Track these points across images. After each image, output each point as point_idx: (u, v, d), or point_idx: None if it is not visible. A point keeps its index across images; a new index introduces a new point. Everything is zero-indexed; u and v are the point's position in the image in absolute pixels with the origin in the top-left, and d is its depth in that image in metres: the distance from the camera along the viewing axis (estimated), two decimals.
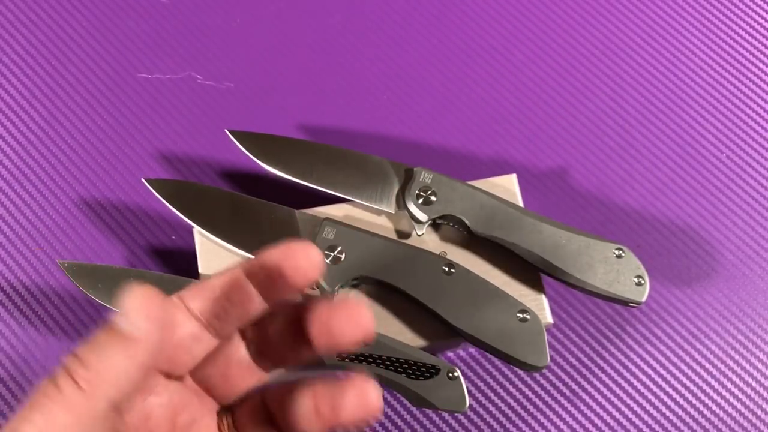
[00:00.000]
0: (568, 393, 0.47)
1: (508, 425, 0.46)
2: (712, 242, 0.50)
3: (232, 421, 0.26)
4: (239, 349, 0.25)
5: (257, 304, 0.23)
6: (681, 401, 0.47)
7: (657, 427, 0.46)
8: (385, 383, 0.40)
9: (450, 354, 0.47)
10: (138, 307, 0.20)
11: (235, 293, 0.23)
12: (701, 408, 0.46)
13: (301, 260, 0.22)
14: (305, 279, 0.22)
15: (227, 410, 0.26)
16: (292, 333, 0.24)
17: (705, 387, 0.47)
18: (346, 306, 0.22)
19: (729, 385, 0.47)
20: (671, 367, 0.47)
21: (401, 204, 0.43)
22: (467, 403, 0.39)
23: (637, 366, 0.47)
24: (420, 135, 0.53)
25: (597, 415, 0.46)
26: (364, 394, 0.22)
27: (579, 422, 0.46)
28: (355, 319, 0.22)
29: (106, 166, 0.52)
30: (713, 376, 0.47)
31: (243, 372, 0.25)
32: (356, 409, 0.22)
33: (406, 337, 0.42)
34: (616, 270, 0.41)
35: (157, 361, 0.21)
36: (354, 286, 0.43)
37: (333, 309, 0.22)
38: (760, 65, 0.55)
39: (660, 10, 0.56)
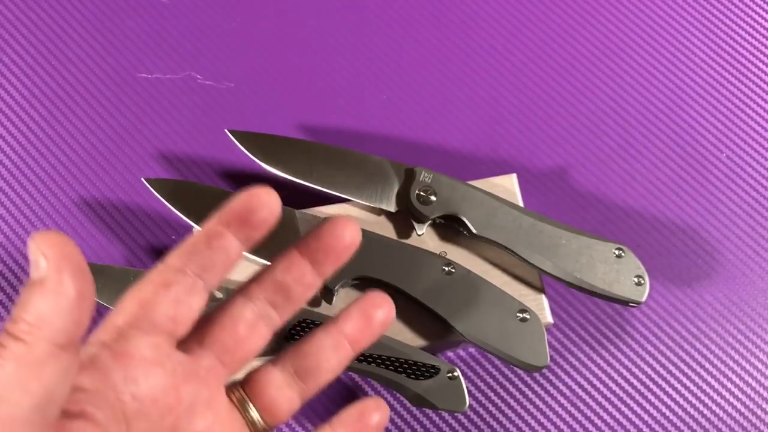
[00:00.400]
0: (568, 393, 0.47)
1: (508, 425, 0.46)
2: (712, 242, 0.50)
3: (243, 393, 0.27)
4: (244, 310, 0.27)
5: (236, 248, 0.25)
6: (681, 401, 0.47)
7: (657, 427, 0.46)
8: (385, 383, 0.40)
9: (450, 354, 0.47)
10: (35, 252, 0.21)
11: (215, 242, 0.25)
12: (701, 408, 0.46)
13: (263, 195, 0.25)
14: (269, 212, 0.25)
15: (237, 384, 0.28)
16: (293, 274, 0.27)
17: (705, 387, 0.47)
18: (334, 217, 0.27)
19: (729, 385, 0.47)
20: (671, 367, 0.47)
21: (401, 204, 0.43)
22: (467, 403, 0.40)
23: (637, 366, 0.47)
24: (420, 135, 0.53)
25: (597, 415, 0.46)
26: (387, 306, 0.28)
27: (579, 422, 0.46)
28: (343, 221, 0.27)
29: (106, 166, 0.52)
30: (713, 376, 0.47)
31: (249, 331, 0.27)
32: (384, 320, 0.28)
33: (406, 337, 0.42)
34: (616, 270, 0.41)
35: (82, 291, 0.22)
36: (354, 286, 0.43)
37: (324, 223, 0.27)
38: (760, 65, 0.55)
39: (660, 10, 0.56)
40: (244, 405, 0.27)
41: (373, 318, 0.28)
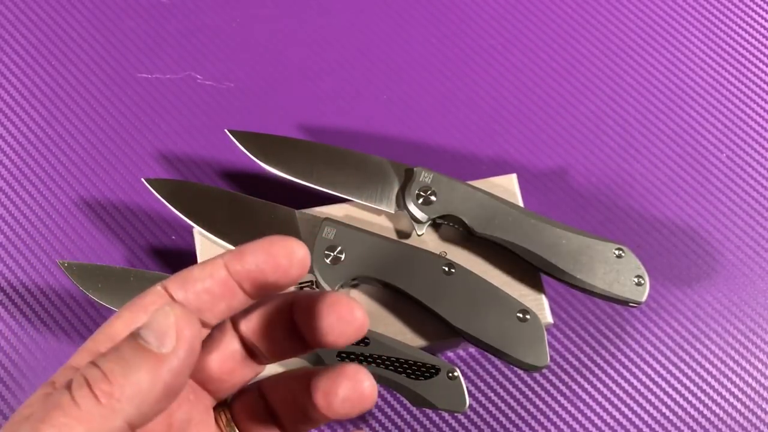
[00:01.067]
0: (568, 393, 0.47)
1: (508, 425, 0.46)
2: (712, 242, 0.50)
3: (230, 416, 0.26)
4: (233, 342, 0.24)
5: (241, 299, 0.23)
6: (681, 401, 0.47)
7: (657, 427, 0.46)
8: (385, 383, 0.40)
9: (450, 354, 0.47)
10: (172, 325, 0.19)
11: (218, 288, 0.22)
12: (701, 408, 0.46)
13: (283, 259, 0.21)
14: (288, 279, 0.22)
15: (224, 405, 0.26)
16: (285, 326, 0.24)
17: (705, 387, 0.47)
18: (337, 304, 0.22)
19: (729, 385, 0.47)
20: (671, 367, 0.47)
21: (401, 204, 0.43)
22: (467, 403, 0.39)
23: (637, 366, 0.47)
24: (420, 135, 0.53)
25: (597, 415, 0.46)
26: (357, 384, 0.22)
27: (579, 422, 0.46)
28: (346, 317, 0.22)
29: (106, 166, 0.52)
30: (713, 376, 0.47)
31: (238, 365, 0.25)
32: (350, 400, 0.22)
33: (406, 337, 0.42)
34: (616, 270, 0.41)
35: (180, 386, 0.20)
36: (354, 286, 0.43)
37: (323, 306, 0.22)
38: (760, 65, 0.55)
39: (660, 10, 0.56)
40: (231, 429, 0.26)
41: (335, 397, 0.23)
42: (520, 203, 0.44)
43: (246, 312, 0.24)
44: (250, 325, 0.24)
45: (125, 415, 0.19)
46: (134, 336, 0.20)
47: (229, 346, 0.24)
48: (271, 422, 0.25)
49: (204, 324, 0.23)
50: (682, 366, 0.47)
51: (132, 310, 0.22)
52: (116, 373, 0.19)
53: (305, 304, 0.23)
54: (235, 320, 0.25)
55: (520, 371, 0.47)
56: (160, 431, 0.23)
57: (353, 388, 0.22)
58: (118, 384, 0.19)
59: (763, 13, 0.56)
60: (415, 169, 0.43)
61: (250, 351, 0.25)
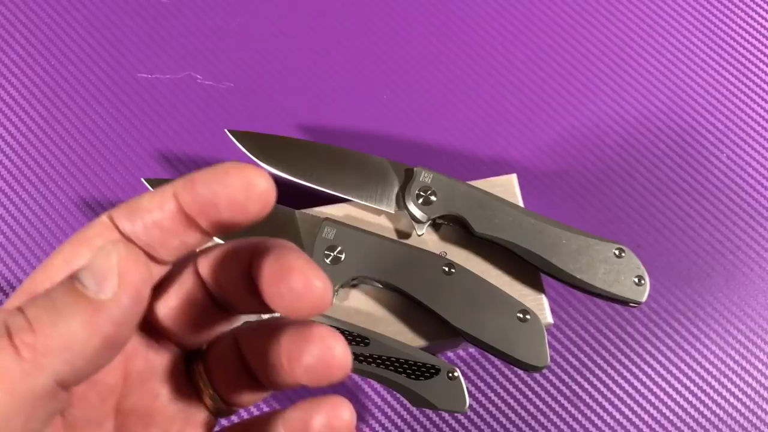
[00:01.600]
0: (568, 393, 0.47)
1: (508, 425, 0.46)
2: (712, 242, 0.50)
3: (202, 369, 0.22)
4: (196, 288, 0.20)
5: (197, 236, 0.19)
6: (681, 401, 0.47)
7: (657, 427, 0.46)
8: (385, 383, 0.40)
9: (450, 354, 0.47)
10: (113, 267, 0.16)
11: (168, 222, 0.18)
12: (701, 408, 0.46)
13: (239, 191, 0.18)
14: (246, 216, 0.18)
15: (200, 356, 0.22)
16: (247, 278, 0.19)
17: (705, 387, 0.47)
18: (289, 270, 0.18)
19: (729, 385, 0.47)
20: (671, 367, 0.47)
21: (401, 204, 0.43)
22: (467, 403, 0.39)
23: (637, 366, 0.47)
24: (420, 135, 0.53)
25: (597, 415, 0.46)
26: (326, 351, 0.18)
27: (579, 422, 0.46)
28: (298, 288, 0.18)
29: (106, 166, 0.52)
30: (713, 376, 0.47)
31: (204, 313, 0.21)
32: (315, 369, 0.18)
33: (406, 337, 0.42)
34: (616, 270, 0.41)
35: (125, 338, 0.17)
36: (354, 286, 0.43)
37: (274, 267, 0.18)
38: (760, 65, 0.55)
39: (660, 10, 0.56)
40: (204, 383, 0.22)
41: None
42: (520, 203, 0.44)
43: (205, 252, 0.20)
44: (207, 270, 0.20)
45: (53, 372, 0.16)
46: (71, 278, 0.17)
47: (192, 291, 0.20)
48: (246, 377, 0.21)
49: (159, 261, 0.19)
50: (682, 366, 0.47)
51: (73, 244, 0.19)
52: (43, 322, 0.16)
53: (258, 259, 0.19)
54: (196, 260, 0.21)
55: (520, 371, 0.47)
56: (112, 382, 0.20)
57: (319, 356, 0.18)
58: (43, 335, 0.16)
59: (763, 13, 0.56)
60: (415, 169, 0.43)
61: (217, 302, 0.21)
